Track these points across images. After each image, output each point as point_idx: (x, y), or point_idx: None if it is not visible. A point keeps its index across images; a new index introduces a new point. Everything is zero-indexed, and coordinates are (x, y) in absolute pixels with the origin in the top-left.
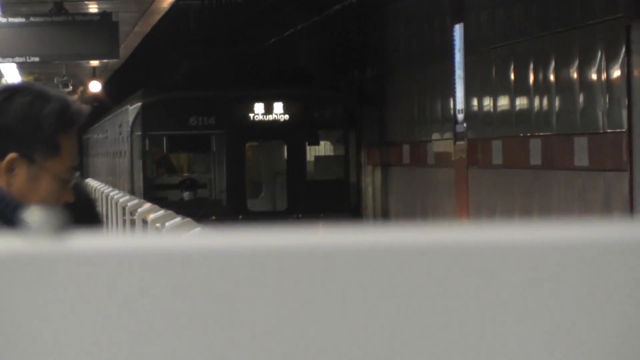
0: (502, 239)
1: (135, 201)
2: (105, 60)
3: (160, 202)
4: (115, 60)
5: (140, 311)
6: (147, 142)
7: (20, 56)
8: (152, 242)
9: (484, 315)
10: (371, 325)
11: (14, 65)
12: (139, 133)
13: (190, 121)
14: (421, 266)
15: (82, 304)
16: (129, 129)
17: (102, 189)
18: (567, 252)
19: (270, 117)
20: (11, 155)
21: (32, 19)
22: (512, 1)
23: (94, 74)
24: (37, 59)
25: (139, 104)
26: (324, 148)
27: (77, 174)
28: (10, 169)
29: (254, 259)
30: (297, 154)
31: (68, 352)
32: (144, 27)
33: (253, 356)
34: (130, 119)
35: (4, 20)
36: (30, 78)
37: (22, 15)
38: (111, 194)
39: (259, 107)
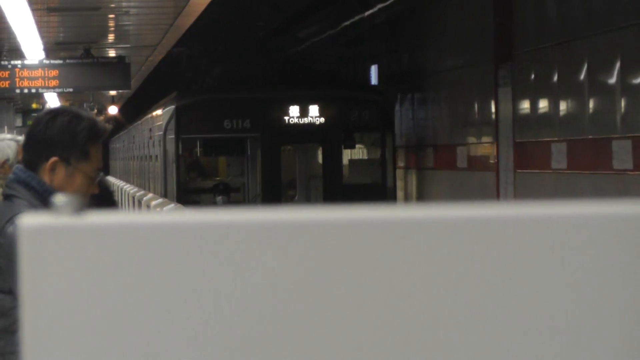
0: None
1: (142, 192)
2: (120, 91)
3: (194, 206)
4: (127, 90)
5: (144, 272)
6: (180, 145)
7: (59, 87)
8: (150, 217)
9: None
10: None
11: (55, 94)
12: (173, 136)
13: (225, 124)
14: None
15: (97, 263)
16: (162, 133)
17: (118, 184)
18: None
19: (305, 120)
20: (53, 159)
21: (67, 60)
22: (420, 50)
23: (113, 100)
24: (71, 90)
25: (173, 106)
26: (360, 151)
27: (102, 173)
28: (52, 169)
29: (247, 231)
30: (333, 157)
31: (85, 305)
32: (148, 67)
33: (260, 318)
34: (164, 122)
35: (47, 61)
36: (66, 103)
37: (60, 58)
38: (124, 187)
39: (294, 110)
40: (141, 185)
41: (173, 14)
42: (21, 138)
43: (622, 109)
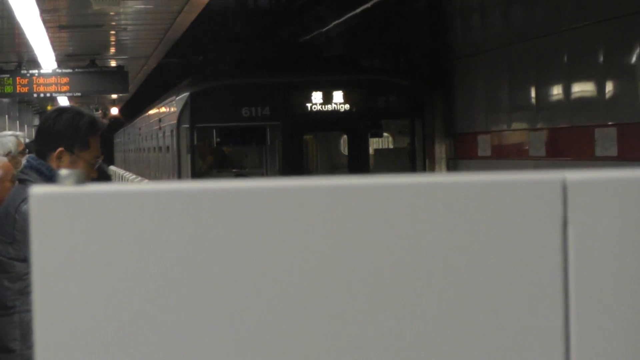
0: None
1: (139, 178)
2: (120, 94)
3: None
4: (126, 93)
5: (135, 231)
6: (195, 135)
7: (70, 92)
8: (136, 187)
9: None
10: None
11: (66, 97)
12: (187, 125)
13: (243, 112)
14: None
15: (94, 223)
16: (175, 122)
17: (117, 171)
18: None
19: (329, 107)
20: (60, 149)
21: (76, 70)
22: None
23: (114, 102)
24: (79, 94)
25: (187, 93)
26: (387, 140)
27: (100, 160)
28: (59, 157)
29: (223, 198)
30: (359, 147)
31: (85, 257)
32: (143, 75)
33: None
34: (177, 110)
35: (59, 70)
36: (75, 105)
37: (70, 68)
38: (124, 174)
39: (317, 96)
40: (150, 177)
41: (163, 30)
42: (20, 133)
43: (537, 106)
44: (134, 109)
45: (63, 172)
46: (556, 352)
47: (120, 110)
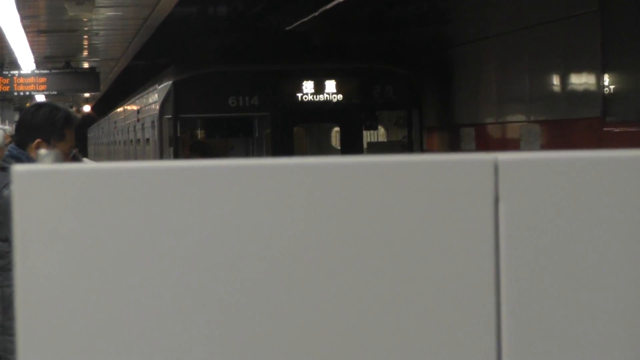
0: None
1: None
2: (92, 93)
3: None
4: (98, 92)
5: (105, 204)
6: (178, 126)
7: (47, 91)
8: (102, 165)
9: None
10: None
11: (43, 96)
12: (170, 116)
13: (229, 101)
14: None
15: (68, 197)
16: (157, 112)
17: (90, 162)
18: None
19: (321, 97)
20: (38, 140)
21: (53, 70)
22: None
23: (87, 100)
24: (55, 92)
25: (169, 82)
26: (383, 132)
27: (74, 151)
28: (37, 147)
29: (179, 176)
30: (353, 139)
31: (59, 226)
32: (113, 75)
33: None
34: (159, 100)
35: (37, 71)
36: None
37: (47, 69)
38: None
39: (308, 85)
40: None
41: (131, 34)
42: (7, 128)
43: (465, 106)
44: (105, 106)
45: (42, 152)
46: (488, 323)
47: (92, 108)
